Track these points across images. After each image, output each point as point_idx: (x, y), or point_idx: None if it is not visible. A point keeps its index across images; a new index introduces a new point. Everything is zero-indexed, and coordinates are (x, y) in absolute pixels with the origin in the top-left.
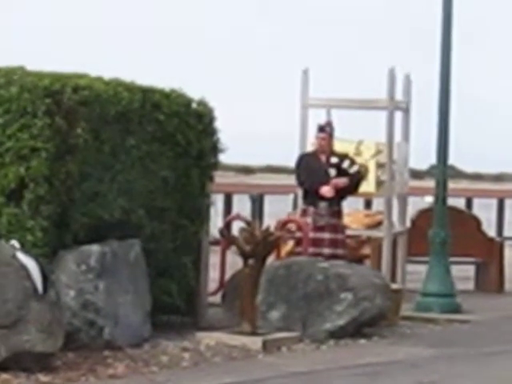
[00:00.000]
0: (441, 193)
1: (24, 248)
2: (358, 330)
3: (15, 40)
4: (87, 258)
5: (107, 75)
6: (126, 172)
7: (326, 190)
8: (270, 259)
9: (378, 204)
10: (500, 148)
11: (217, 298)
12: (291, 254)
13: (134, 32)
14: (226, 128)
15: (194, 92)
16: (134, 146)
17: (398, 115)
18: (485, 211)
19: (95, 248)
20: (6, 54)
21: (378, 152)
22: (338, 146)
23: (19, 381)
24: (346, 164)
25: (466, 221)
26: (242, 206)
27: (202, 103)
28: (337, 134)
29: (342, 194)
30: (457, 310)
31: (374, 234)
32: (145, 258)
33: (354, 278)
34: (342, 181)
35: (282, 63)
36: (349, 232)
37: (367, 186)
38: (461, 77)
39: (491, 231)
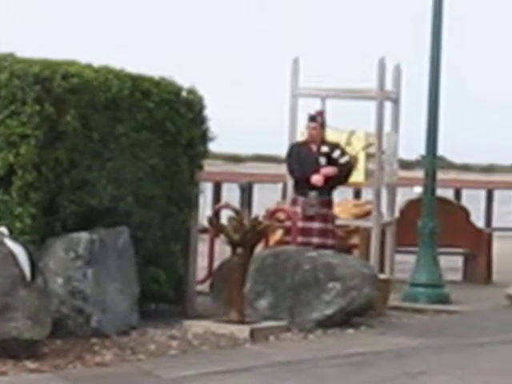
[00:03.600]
0: (430, 183)
1: (12, 235)
2: (345, 319)
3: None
4: (76, 245)
5: (97, 63)
6: (115, 160)
7: (316, 179)
8: (259, 248)
9: (367, 194)
10: (489, 139)
11: (205, 287)
12: (280, 243)
13: (124, 20)
14: (215, 116)
15: (183, 80)
16: (124, 133)
17: (388, 105)
18: (473, 202)
19: (84, 235)
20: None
21: (369, 145)
22: (330, 135)
23: (6, 368)
24: (336, 154)
25: (455, 212)
26: (231, 194)
27: (191, 92)
28: (328, 123)
29: (332, 183)
30: (445, 300)
31: (363, 223)
32: (133, 245)
33: (342, 268)
34: (332, 169)
35: (272, 52)
36: (338, 222)
37: (356, 175)
38: (451, 67)
39: (480, 222)
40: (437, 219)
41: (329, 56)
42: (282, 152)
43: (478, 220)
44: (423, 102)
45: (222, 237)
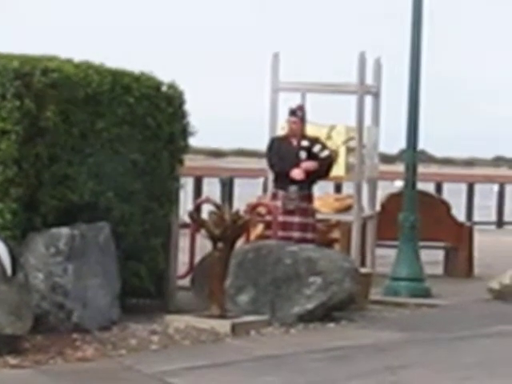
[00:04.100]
0: (410, 177)
1: None
2: (326, 313)
3: None
4: (56, 240)
5: (77, 58)
6: (96, 155)
7: (297, 173)
8: (240, 243)
9: (347, 188)
10: (470, 133)
11: (186, 282)
12: (261, 237)
13: (105, 16)
14: (196, 111)
15: (163, 75)
16: (104, 128)
17: (368, 99)
18: (454, 196)
19: (64, 231)
20: None
21: (349, 139)
22: (311, 130)
23: None
24: (316, 148)
25: (436, 205)
26: (212, 189)
27: (172, 86)
28: (308, 117)
29: (312, 177)
30: (426, 294)
31: (344, 217)
32: (114, 240)
33: (323, 262)
34: (312, 164)
35: (253, 47)
36: (318, 216)
37: (337, 170)
38: (431, 61)
39: (461, 216)
40: (418, 213)
41: (309, 51)
42: (263, 146)
43: (459, 214)
44: (404, 96)
45: (202, 231)
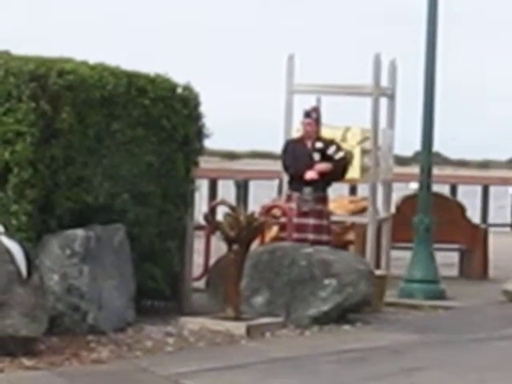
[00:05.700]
0: (425, 179)
1: (8, 232)
2: (341, 315)
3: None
4: (71, 242)
5: (92, 60)
6: (111, 156)
7: (310, 175)
8: (255, 245)
9: (362, 190)
10: (485, 135)
11: (201, 284)
12: (275, 239)
13: (120, 18)
14: (211, 113)
15: (179, 77)
16: (119, 130)
17: (384, 101)
18: (469, 198)
19: (80, 232)
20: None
21: (364, 139)
22: (326, 132)
23: (3, 365)
24: (331, 150)
25: (451, 207)
26: (227, 191)
27: (187, 88)
28: (324, 120)
29: (327, 179)
30: (441, 296)
31: (359, 220)
32: (129, 242)
33: (338, 264)
34: (326, 166)
35: (268, 49)
36: (333, 218)
37: (352, 171)
38: (447, 63)
39: (476, 218)
40: (433, 215)
41: (324, 52)
42: (278, 148)
43: (474, 216)
44: (419, 98)
45: (217, 233)
